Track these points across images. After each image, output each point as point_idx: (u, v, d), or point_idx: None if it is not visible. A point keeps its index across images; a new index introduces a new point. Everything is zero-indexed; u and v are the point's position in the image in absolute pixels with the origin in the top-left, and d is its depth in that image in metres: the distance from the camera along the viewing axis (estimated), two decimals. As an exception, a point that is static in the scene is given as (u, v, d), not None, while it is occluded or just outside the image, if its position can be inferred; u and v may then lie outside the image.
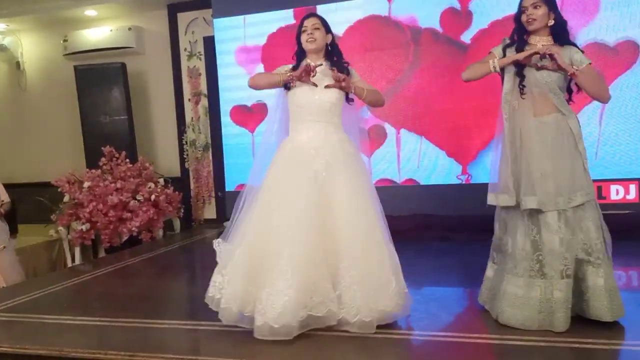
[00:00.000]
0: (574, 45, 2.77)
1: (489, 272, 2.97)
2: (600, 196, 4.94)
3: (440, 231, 5.07)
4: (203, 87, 6.58)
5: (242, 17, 5.96)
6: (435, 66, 5.35)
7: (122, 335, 2.92)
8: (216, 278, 2.84)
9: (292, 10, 5.74)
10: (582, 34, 4.84)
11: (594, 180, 4.85)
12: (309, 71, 2.83)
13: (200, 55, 6.58)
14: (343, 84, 2.84)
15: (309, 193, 2.74)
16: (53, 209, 5.57)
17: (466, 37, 5.25)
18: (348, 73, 2.94)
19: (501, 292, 2.72)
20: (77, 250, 5.50)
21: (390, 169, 5.53)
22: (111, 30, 6.67)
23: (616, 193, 4.95)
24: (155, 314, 3.27)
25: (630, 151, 4.89)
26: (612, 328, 2.63)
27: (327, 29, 2.97)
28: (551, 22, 2.73)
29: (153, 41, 6.81)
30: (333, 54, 3.00)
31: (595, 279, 2.61)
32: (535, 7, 2.68)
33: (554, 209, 2.61)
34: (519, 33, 2.79)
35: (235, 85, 5.97)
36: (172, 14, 6.65)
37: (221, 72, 6.06)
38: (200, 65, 6.59)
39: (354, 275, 2.65)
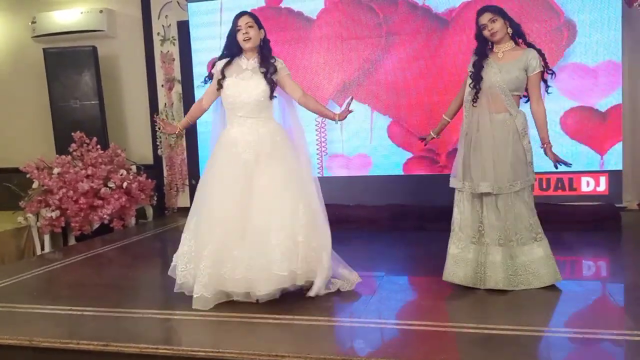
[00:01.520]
0: (534, 47, 3.13)
1: None
2: (571, 188, 5.07)
3: (416, 221, 5.09)
4: (177, 73, 6.46)
5: (217, 1, 5.88)
6: (412, 48, 5.37)
7: (94, 325, 2.88)
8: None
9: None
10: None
11: (566, 172, 5.02)
12: None
13: (174, 40, 6.44)
14: None
15: (236, 180, 3.03)
16: (21, 196, 5.43)
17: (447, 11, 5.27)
18: (275, 70, 3.12)
19: (447, 253, 3.23)
20: (47, 238, 5.37)
21: (365, 157, 5.55)
22: (82, 13, 6.48)
23: (587, 185, 5.05)
24: (127, 303, 3.24)
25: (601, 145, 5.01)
26: (585, 318, 2.70)
27: (259, 25, 3.14)
28: (510, 31, 3.11)
29: (125, 25, 6.63)
30: (264, 49, 3.16)
31: (538, 251, 3.09)
32: (492, 22, 3.06)
33: (498, 192, 3.07)
34: (483, 47, 3.17)
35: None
36: (145, -3, 6.50)
37: (196, 58, 6.01)
38: (174, 50, 6.46)
39: (282, 247, 2.91)
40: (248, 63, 3.14)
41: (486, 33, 3.10)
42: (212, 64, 3.26)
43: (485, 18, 3.08)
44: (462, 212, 3.21)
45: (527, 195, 3.14)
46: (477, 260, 3.12)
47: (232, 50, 3.17)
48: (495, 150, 3.09)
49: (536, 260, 3.09)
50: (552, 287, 3.11)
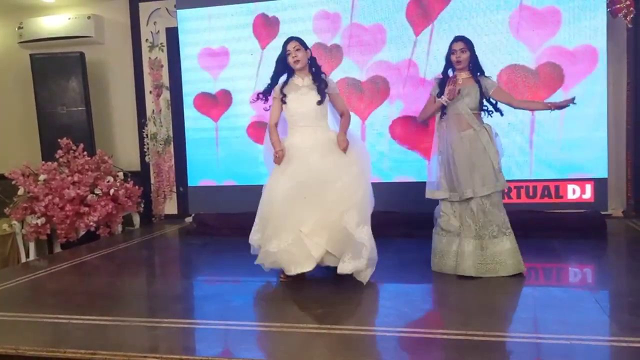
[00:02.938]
0: (485, 75, 3.70)
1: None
2: (557, 195, 5.12)
3: (403, 228, 5.11)
4: (165, 79, 6.46)
5: (206, 8, 5.89)
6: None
7: (80, 333, 2.84)
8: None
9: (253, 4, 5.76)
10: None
11: (552, 180, 5.08)
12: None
13: (163, 46, 6.44)
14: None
15: (303, 180, 3.46)
16: (7, 202, 5.38)
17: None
18: (326, 85, 3.60)
19: (432, 248, 3.77)
20: (32, 246, 5.33)
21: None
22: (69, 19, 6.47)
23: (573, 192, 5.11)
24: (114, 311, 3.20)
25: (587, 153, 5.07)
26: (571, 325, 2.72)
27: (305, 47, 3.61)
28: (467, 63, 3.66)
29: (113, 31, 6.64)
30: (312, 67, 3.65)
31: (506, 244, 3.55)
32: (462, 52, 3.61)
33: (474, 196, 3.56)
34: (447, 69, 3.72)
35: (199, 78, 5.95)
36: (134, 3, 6.48)
37: (184, 64, 6.02)
38: (163, 56, 6.45)
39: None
40: (303, 81, 3.63)
41: (453, 58, 3.63)
42: (257, 95, 3.72)
43: (458, 46, 3.61)
44: (446, 217, 3.71)
45: (497, 198, 3.60)
46: (457, 251, 3.61)
47: (284, 72, 3.66)
48: (468, 162, 3.57)
49: (504, 252, 3.54)
50: (536, 290, 3.14)
